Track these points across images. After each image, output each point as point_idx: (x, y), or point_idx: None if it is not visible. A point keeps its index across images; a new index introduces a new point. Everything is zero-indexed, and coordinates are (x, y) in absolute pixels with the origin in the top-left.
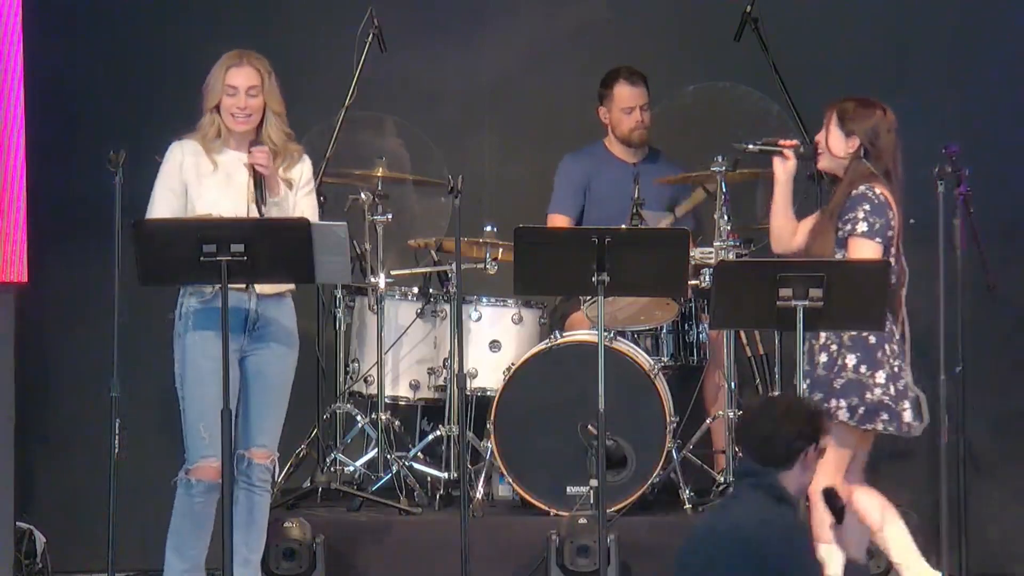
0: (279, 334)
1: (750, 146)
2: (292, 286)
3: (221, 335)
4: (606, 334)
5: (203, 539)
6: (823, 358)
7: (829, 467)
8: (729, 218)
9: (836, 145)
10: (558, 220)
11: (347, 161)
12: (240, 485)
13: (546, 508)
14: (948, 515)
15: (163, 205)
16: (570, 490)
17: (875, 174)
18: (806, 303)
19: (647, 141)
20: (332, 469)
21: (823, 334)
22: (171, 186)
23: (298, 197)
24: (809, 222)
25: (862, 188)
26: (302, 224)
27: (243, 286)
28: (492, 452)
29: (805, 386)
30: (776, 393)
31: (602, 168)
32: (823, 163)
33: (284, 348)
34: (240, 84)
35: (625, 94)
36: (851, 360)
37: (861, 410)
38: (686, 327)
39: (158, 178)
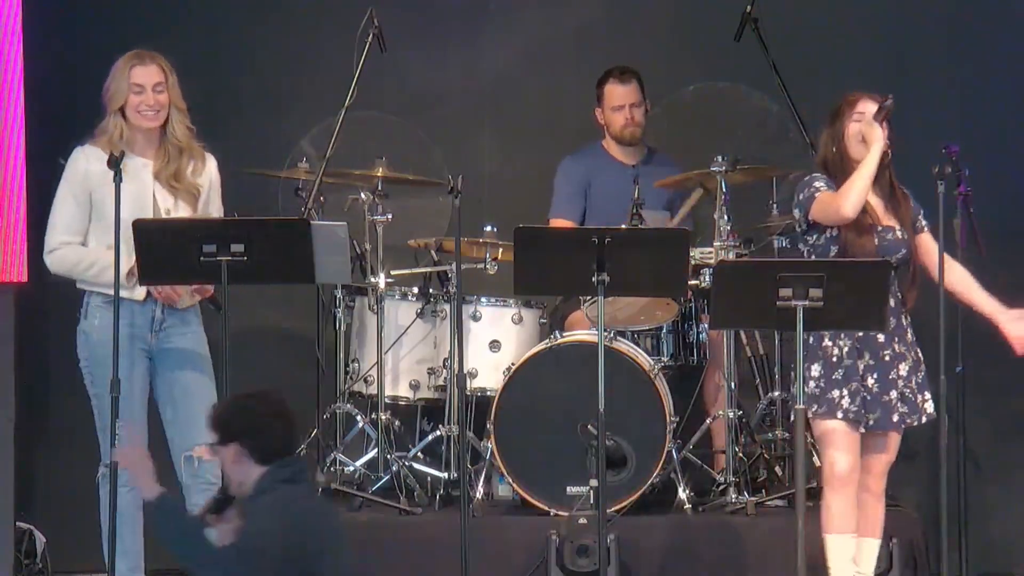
0: (186, 332)
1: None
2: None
3: (134, 339)
4: (606, 334)
5: (138, 534)
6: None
7: None
8: (729, 218)
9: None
10: (560, 224)
11: (347, 161)
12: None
13: (546, 508)
14: (948, 515)
15: (65, 214)
16: (570, 490)
17: None
18: (806, 303)
19: (639, 139)
20: (332, 469)
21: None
22: (74, 193)
23: (207, 208)
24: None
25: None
26: (302, 224)
27: (141, 295)
28: (492, 452)
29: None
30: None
31: (601, 169)
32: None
33: (195, 344)
34: (146, 81)
35: (615, 92)
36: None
37: None
38: (686, 327)
39: (61, 185)
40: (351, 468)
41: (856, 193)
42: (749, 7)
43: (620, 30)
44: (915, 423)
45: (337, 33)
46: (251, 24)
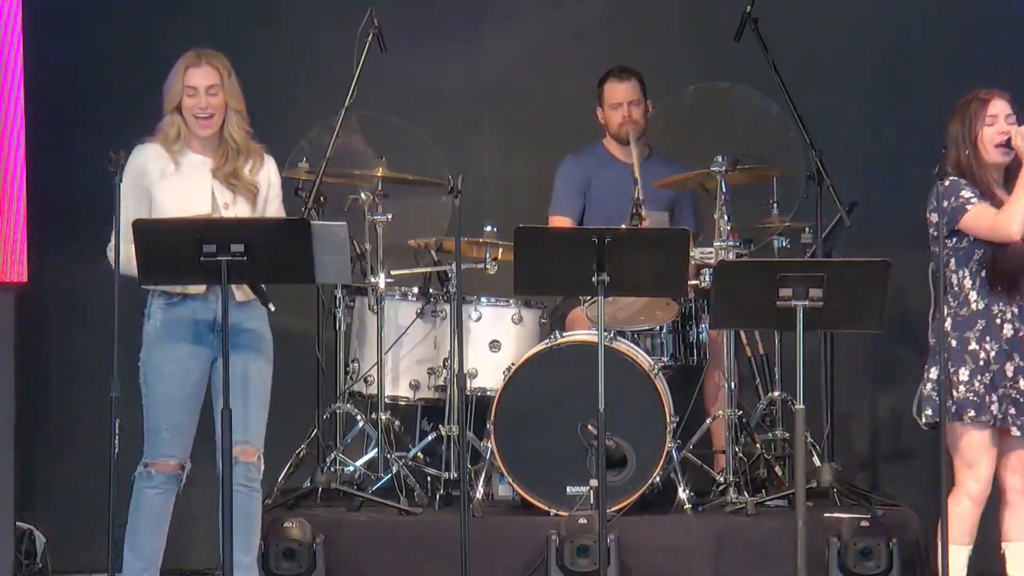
0: (250, 334)
1: None
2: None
3: (194, 339)
4: (606, 334)
5: (159, 536)
6: None
7: None
8: (729, 218)
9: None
10: (559, 222)
11: (347, 161)
12: (234, 486)
13: (546, 508)
14: (948, 515)
15: (124, 212)
16: (570, 490)
17: None
18: (806, 303)
19: (637, 138)
20: (332, 469)
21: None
22: (134, 195)
23: (267, 207)
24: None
25: None
26: (302, 224)
27: (202, 290)
28: (492, 452)
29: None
30: None
31: (601, 169)
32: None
33: (257, 347)
34: (199, 84)
35: (613, 90)
36: None
37: None
38: (686, 327)
39: (123, 182)
40: (351, 468)
41: (1022, 215)
42: (749, 7)
43: (620, 30)
44: None
45: (337, 33)
46: (251, 24)
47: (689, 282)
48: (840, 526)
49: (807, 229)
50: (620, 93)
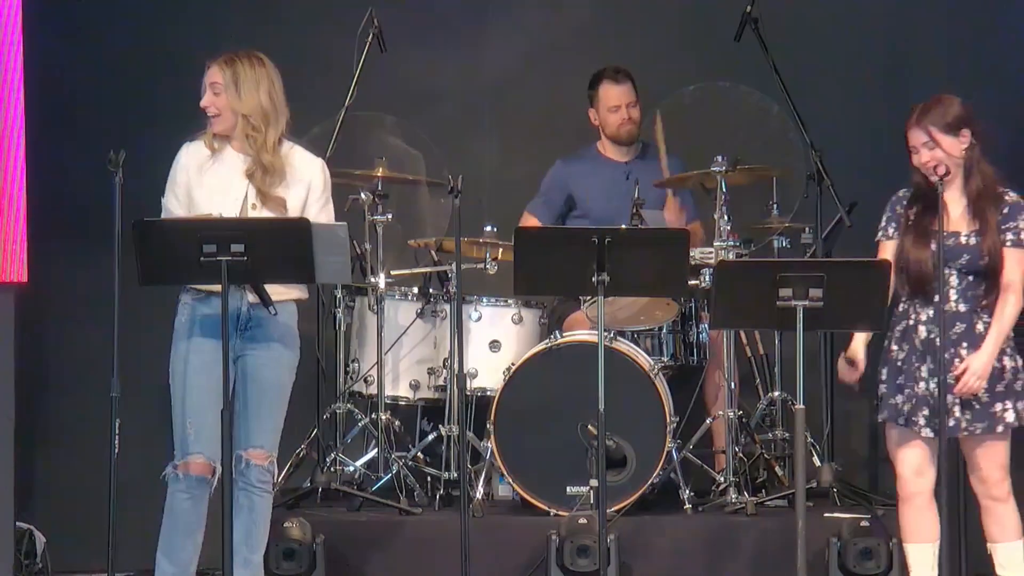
0: (274, 336)
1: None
2: (294, 295)
3: (220, 335)
4: (606, 334)
5: (193, 541)
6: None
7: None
8: (729, 218)
9: (952, 148)
10: (526, 219)
11: (347, 161)
12: (239, 486)
13: (546, 508)
14: (948, 515)
15: (166, 209)
16: (570, 490)
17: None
18: (806, 303)
19: (636, 138)
20: (332, 469)
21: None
22: (175, 192)
23: (304, 213)
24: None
25: (1015, 196)
26: (302, 224)
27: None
28: (492, 452)
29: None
30: None
31: (593, 171)
32: (941, 171)
33: (279, 350)
34: (206, 81)
35: (611, 93)
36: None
37: None
38: (686, 327)
39: (167, 184)
40: (351, 468)
41: None
42: (749, 7)
43: (620, 30)
44: (980, 431)
45: (337, 33)
46: (251, 24)
47: (689, 282)
48: (840, 526)
49: (807, 229)
50: (617, 95)
